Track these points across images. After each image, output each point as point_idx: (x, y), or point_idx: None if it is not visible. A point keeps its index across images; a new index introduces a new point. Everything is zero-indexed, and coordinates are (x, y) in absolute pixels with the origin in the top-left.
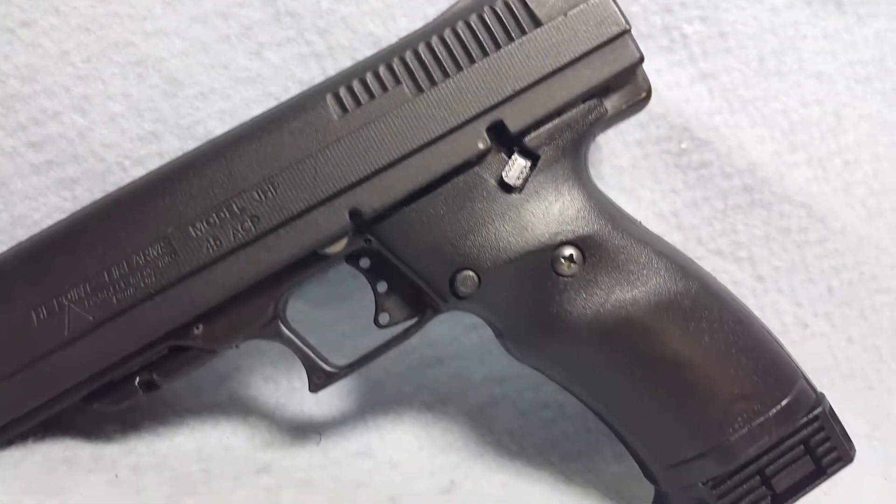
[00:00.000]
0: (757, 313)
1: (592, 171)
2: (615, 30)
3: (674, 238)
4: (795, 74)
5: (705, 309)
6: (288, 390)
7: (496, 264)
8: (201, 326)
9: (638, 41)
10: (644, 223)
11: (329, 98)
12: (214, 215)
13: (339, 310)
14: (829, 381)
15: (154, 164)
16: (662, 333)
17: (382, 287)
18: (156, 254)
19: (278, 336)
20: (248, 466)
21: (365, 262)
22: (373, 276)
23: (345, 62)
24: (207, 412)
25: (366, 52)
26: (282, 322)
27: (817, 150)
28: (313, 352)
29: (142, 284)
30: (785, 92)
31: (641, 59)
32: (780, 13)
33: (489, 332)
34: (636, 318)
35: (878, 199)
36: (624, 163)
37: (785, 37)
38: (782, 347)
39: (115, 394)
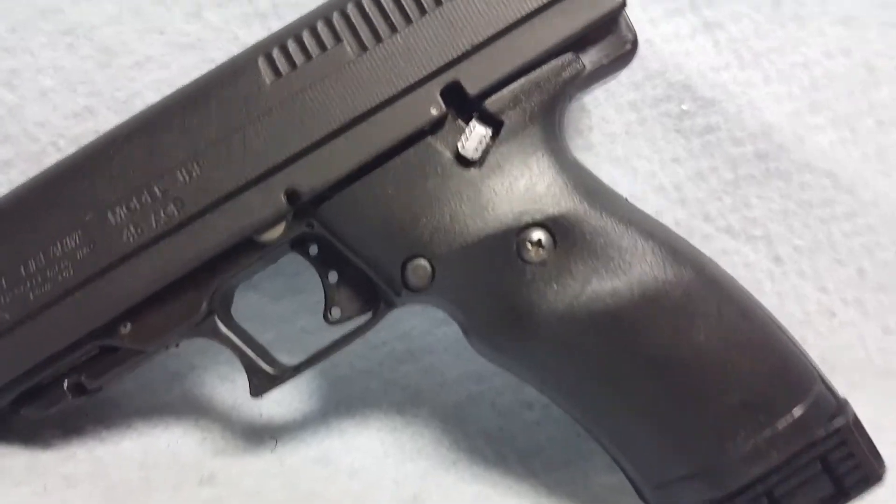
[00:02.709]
0: (774, 300)
1: (580, 140)
2: None
3: (677, 215)
4: (818, 19)
5: (701, 301)
6: (245, 390)
7: (452, 251)
8: (129, 325)
9: None
10: (641, 198)
11: (261, 61)
12: (135, 199)
13: (295, 303)
14: (860, 380)
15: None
16: (649, 330)
17: (333, 277)
18: (73, 244)
19: (215, 334)
20: (193, 475)
21: (314, 250)
22: (322, 265)
23: (291, 18)
24: (157, 414)
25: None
26: (219, 318)
27: (844, 109)
28: (256, 351)
29: (60, 278)
30: (805, 41)
31: (623, 4)
32: None
33: None
34: (617, 311)
35: None
36: (616, 129)
37: None
38: (797, 346)
39: (42, 398)
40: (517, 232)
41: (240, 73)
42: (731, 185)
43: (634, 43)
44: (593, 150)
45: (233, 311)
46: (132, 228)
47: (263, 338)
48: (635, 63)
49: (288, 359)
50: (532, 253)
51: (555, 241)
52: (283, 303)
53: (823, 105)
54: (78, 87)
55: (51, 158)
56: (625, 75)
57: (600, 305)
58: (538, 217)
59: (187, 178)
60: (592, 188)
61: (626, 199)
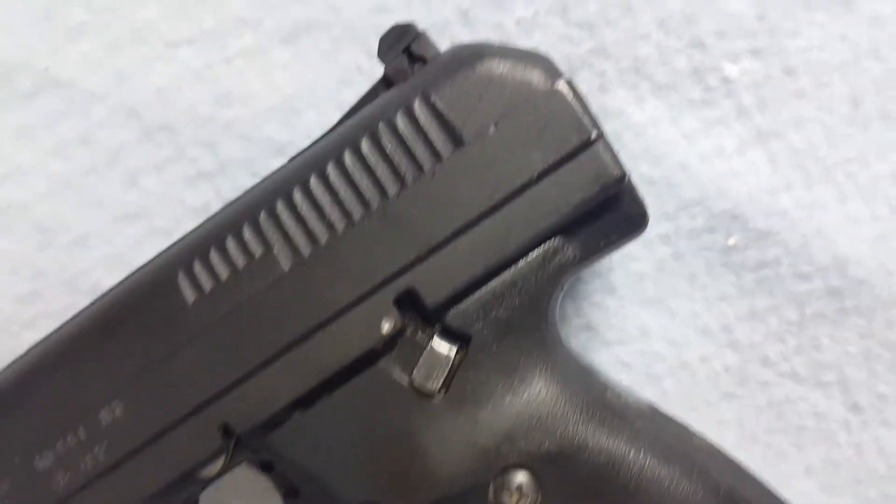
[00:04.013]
0: (851, 453)
1: (598, 282)
2: (576, 140)
3: (727, 360)
4: None
5: None
6: None
7: (415, 499)
8: None
9: (654, 94)
10: (682, 343)
11: (181, 277)
12: (60, 442)
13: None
14: None
15: (44, 325)
16: None
17: (292, 496)
18: (2, 492)
19: None
20: None
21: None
22: (282, 483)
23: (243, 178)
24: None
25: (267, 162)
26: None
27: None
28: None
29: None
30: (894, 146)
31: (622, 178)
32: (884, 24)
33: None
34: None
35: None
36: (646, 268)
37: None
38: None
39: None
40: (494, 476)
41: (158, 292)
42: (796, 325)
43: (642, 219)
44: (616, 292)
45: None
46: (63, 473)
47: None
48: (664, 191)
49: None
50: (512, 501)
51: (540, 485)
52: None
53: None
54: (20, 270)
55: (6, 346)
56: (653, 206)
57: None
58: (518, 457)
59: (111, 418)
60: (593, 405)
61: (651, 406)
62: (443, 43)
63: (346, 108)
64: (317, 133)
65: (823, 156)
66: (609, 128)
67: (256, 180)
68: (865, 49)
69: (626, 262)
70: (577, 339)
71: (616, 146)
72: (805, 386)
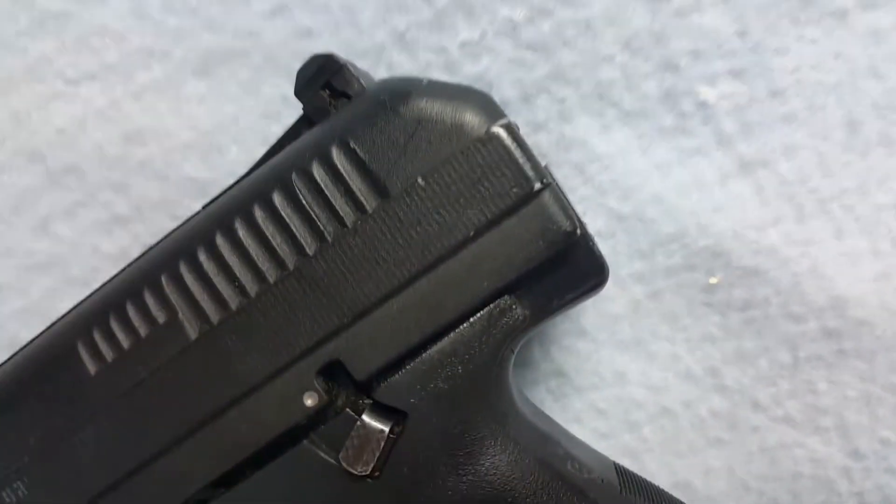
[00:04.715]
0: (853, 503)
1: (568, 325)
2: (517, 191)
3: (714, 404)
4: None
5: None
6: None
7: None
8: None
9: (622, 122)
10: (662, 388)
11: (80, 345)
12: None
13: None
14: None
15: None
16: None
17: None
18: None
19: None
20: None
21: None
22: None
23: (163, 222)
24: None
25: (188, 204)
26: None
27: None
28: None
29: None
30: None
31: (573, 233)
32: (883, 39)
33: None
34: None
35: None
36: (620, 309)
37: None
38: None
39: None
40: None
41: (59, 362)
42: (789, 368)
43: (600, 274)
44: (588, 335)
45: None
46: None
47: None
48: (636, 227)
49: None
50: None
51: None
52: None
53: None
54: None
55: None
56: (623, 243)
57: None
58: None
59: (14, 499)
60: (550, 482)
61: (618, 475)
62: (379, 71)
63: (273, 142)
64: (242, 170)
65: (817, 186)
66: (572, 160)
67: (177, 223)
68: (863, 67)
69: (598, 303)
70: (546, 386)
71: (580, 179)
72: (801, 431)
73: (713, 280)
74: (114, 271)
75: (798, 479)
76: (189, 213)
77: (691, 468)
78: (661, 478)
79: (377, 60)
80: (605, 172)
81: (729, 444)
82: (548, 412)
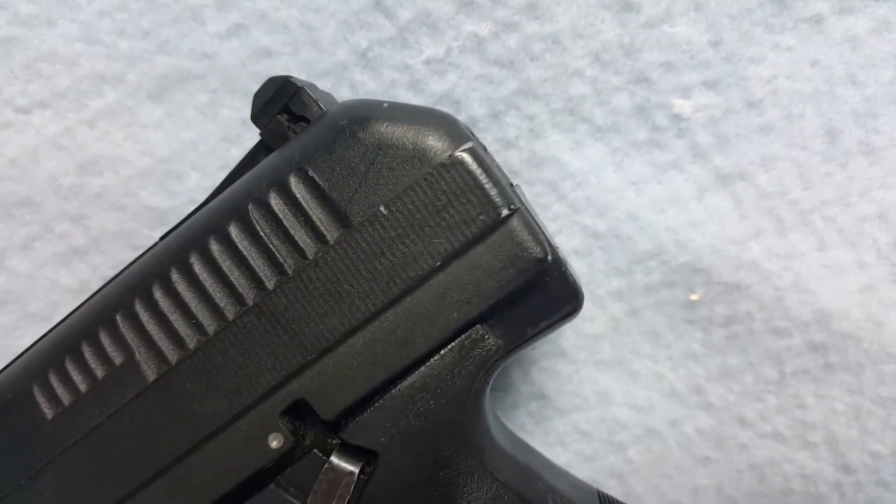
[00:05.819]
0: None
1: (548, 346)
2: (484, 218)
3: (700, 422)
4: None
5: None
6: None
7: None
8: None
9: (594, 137)
10: (646, 408)
11: (36, 389)
12: None
13: None
14: None
15: None
16: None
17: None
18: None
19: None
20: None
21: None
22: None
23: (123, 253)
24: None
25: (148, 234)
26: None
27: None
28: None
29: None
30: (882, 181)
31: (543, 259)
32: (860, 45)
33: None
34: None
35: None
36: (599, 328)
37: (876, 88)
38: None
39: None
40: None
41: (15, 406)
42: (774, 383)
43: (574, 300)
44: (568, 356)
45: None
46: None
47: None
48: (613, 244)
49: None
50: None
51: None
52: None
53: None
54: None
55: None
56: (600, 261)
57: None
58: None
59: None
60: None
61: (599, 492)
62: (341, 91)
63: (233, 166)
64: (202, 197)
65: (797, 198)
66: (544, 177)
67: (138, 253)
68: (840, 75)
69: (577, 323)
70: (527, 409)
71: (553, 197)
72: (790, 446)
73: (694, 296)
74: (74, 305)
75: (788, 495)
76: (149, 243)
77: (679, 488)
78: (648, 499)
79: (339, 80)
80: (579, 189)
81: (717, 463)
82: (529, 436)
